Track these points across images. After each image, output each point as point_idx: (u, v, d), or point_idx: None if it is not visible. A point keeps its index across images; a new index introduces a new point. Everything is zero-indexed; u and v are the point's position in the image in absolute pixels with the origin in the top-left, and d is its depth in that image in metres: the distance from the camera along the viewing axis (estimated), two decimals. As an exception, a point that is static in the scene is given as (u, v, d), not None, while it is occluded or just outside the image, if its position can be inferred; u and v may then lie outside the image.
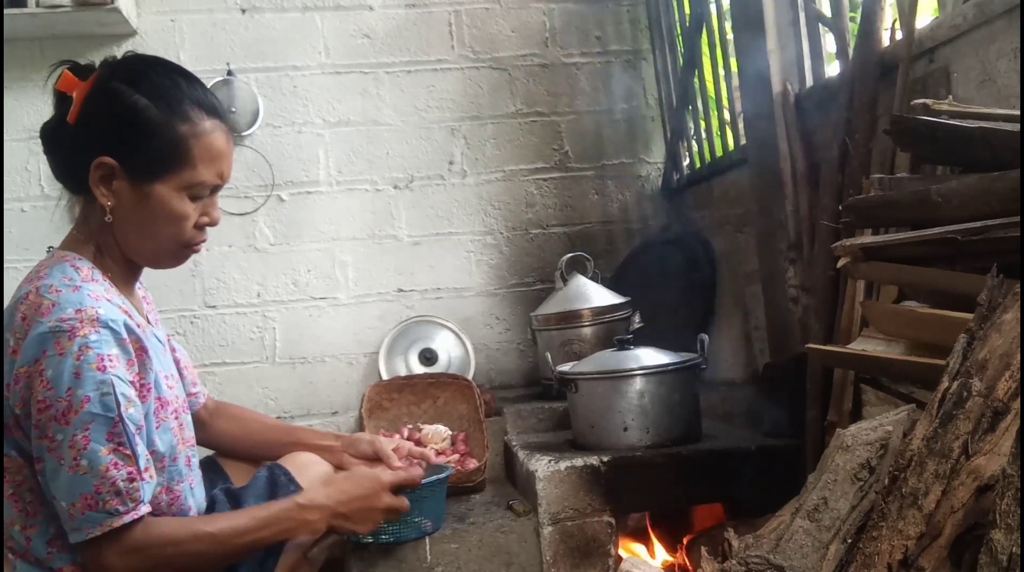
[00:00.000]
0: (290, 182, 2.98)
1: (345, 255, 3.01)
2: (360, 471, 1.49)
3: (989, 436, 0.98)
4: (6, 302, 1.30)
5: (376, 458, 1.67)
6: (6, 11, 2.58)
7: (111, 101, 1.29)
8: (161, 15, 2.92)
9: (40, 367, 1.18)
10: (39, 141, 1.37)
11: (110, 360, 1.20)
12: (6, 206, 2.79)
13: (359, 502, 1.40)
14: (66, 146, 1.32)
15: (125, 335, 1.24)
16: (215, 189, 1.37)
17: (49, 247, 1.37)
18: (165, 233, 1.34)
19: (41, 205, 2.81)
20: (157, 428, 1.31)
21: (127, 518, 1.19)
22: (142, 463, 1.23)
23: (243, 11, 2.98)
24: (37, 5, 2.60)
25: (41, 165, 2.80)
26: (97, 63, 1.35)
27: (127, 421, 1.21)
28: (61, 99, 1.32)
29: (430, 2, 3.08)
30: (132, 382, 1.24)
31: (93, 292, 1.25)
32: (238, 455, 1.68)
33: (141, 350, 1.28)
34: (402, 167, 3.06)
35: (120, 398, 1.20)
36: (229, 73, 2.91)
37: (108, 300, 1.27)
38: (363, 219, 3.03)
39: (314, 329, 2.98)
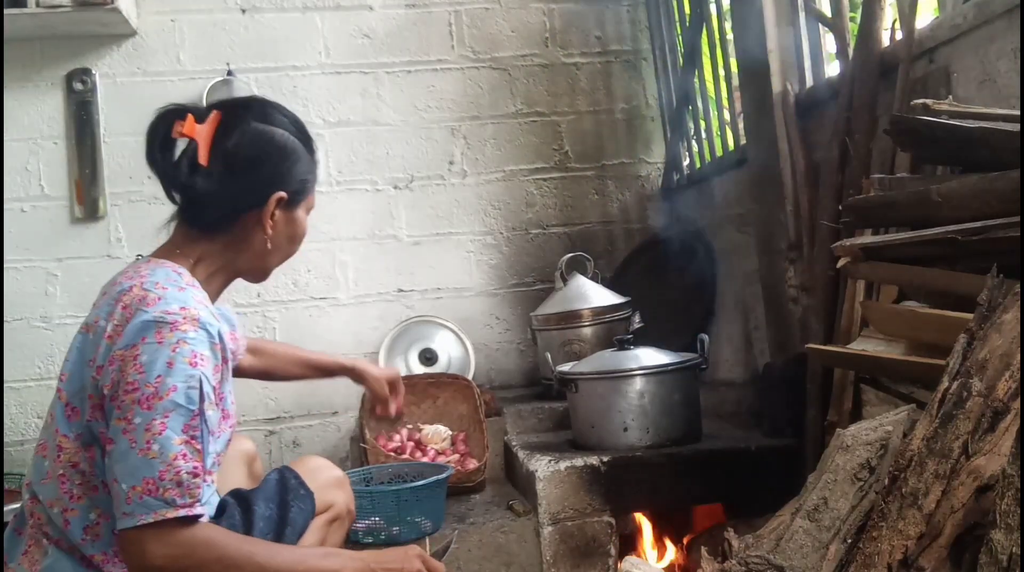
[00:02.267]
0: (290, 182, 2.97)
1: (345, 255, 3.01)
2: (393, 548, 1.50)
3: (989, 436, 0.98)
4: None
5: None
6: (6, 11, 2.58)
7: (266, 141, 1.39)
8: (161, 15, 2.92)
9: (136, 351, 1.21)
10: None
11: (202, 359, 1.24)
12: (6, 206, 2.78)
13: (394, 563, 1.40)
14: (213, 187, 1.35)
15: (218, 341, 1.29)
16: None
17: (138, 255, 1.42)
18: (291, 251, 1.49)
19: (41, 205, 2.81)
20: (214, 437, 1.32)
21: (181, 512, 1.18)
22: (208, 463, 1.24)
23: (243, 11, 2.98)
24: (37, 5, 2.60)
25: (41, 165, 2.79)
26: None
27: (206, 418, 1.23)
28: (170, 141, 1.35)
29: (430, 2, 3.08)
30: (215, 387, 1.27)
31: (196, 296, 1.31)
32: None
33: (225, 361, 1.32)
34: (402, 167, 3.06)
35: (205, 395, 1.23)
36: (229, 73, 2.91)
37: (206, 307, 1.32)
38: (363, 219, 3.03)
39: (314, 329, 2.98)
